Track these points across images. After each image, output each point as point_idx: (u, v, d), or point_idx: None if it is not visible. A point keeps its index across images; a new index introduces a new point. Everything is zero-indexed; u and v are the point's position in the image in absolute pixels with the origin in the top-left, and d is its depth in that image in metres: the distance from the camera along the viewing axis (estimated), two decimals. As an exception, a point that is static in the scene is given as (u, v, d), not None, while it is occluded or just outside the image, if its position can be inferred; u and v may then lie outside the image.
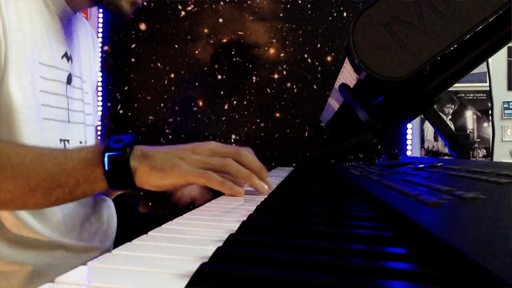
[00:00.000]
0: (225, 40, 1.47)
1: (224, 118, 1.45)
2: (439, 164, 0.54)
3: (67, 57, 0.71)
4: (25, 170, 0.49)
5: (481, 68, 1.13)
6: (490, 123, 1.07)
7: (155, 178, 0.48)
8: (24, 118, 0.58)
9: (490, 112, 1.30)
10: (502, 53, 1.42)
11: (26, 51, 0.60)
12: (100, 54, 0.92)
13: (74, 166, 0.49)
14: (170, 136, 1.47)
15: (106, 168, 0.48)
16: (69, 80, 0.71)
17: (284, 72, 1.45)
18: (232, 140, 1.45)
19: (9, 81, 0.57)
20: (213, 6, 1.46)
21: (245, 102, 1.45)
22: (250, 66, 1.45)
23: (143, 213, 1.22)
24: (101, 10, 1.49)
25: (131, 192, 0.96)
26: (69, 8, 0.70)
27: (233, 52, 1.46)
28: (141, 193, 1.44)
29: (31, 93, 0.60)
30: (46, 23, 0.65)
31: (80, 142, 0.74)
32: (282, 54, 1.45)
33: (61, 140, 0.66)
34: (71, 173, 0.49)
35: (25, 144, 0.54)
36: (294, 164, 1.41)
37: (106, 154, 0.48)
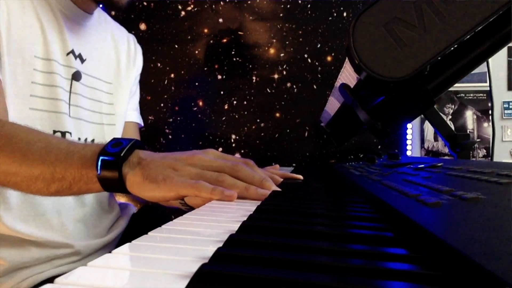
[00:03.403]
0: (225, 40, 1.47)
1: (224, 118, 1.45)
2: (439, 164, 0.54)
3: (75, 55, 0.72)
4: (30, 158, 0.50)
5: (481, 68, 1.13)
6: (490, 123, 1.07)
7: (147, 189, 0.47)
8: (15, 107, 0.61)
9: (490, 112, 1.30)
10: (502, 53, 1.42)
11: (18, 44, 0.62)
12: (141, 61, 0.96)
13: (72, 163, 0.49)
14: (170, 136, 1.47)
15: (99, 172, 0.47)
16: (76, 77, 0.72)
17: (284, 72, 1.45)
18: (232, 140, 1.45)
19: (6, 68, 0.59)
20: (213, 6, 1.46)
21: (245, 102, 1.45)
22: (250, 66, 1.45)
23: None
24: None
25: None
26: (76, 7, 0.70)
27: (233, 52, 1.46)
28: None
29: (22, 84, 0.62)
30: (48, 20, 0.67)
31: (93, 140, 0.75)
32: (282, 54, 1.45)
33: (54, 131, 0.67)
34: (68, 170, 0.49)
35: (39, 130, 0.55)
36: (294, 164, 1.41)
37: (100, 158, 0.48)
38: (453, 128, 1.07)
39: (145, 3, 1.48)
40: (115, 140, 0.51)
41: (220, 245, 0.25)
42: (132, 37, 0.93)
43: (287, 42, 1.45)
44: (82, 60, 0.74)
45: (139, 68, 0.94)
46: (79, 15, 0.72)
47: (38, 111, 0.65)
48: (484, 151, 1.44)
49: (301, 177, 0.76)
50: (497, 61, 1.43)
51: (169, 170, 0.47)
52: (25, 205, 0.64)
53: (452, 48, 0.43)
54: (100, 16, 0.82)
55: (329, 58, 1.43)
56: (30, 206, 0.65)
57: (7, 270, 0.62)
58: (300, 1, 1.44)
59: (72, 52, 0.71)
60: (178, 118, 1.47)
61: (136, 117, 0.95)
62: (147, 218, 0.93)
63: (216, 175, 0.48)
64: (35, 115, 0.64)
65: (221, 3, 1.46)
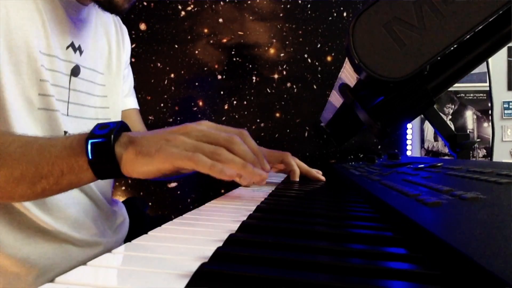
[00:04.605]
0: (225, 40, 1.47)
1: (224, 118, 1.45)
2: (439, 164, 0.54)
3: (74, 48, 0.69)
4: (8, 160, 0.47)
5: (481, 68, 1.13)
6: (490, 123, 1.07)
7: (140, 164, 0.44)
8: (17, 108, 0.57)
9: (490, 112, 1.29)
10: (502, 53, 1.42)
11: (20, 39, 0.58)
12: (129, 42, 0.90)
13: (57, 154, 0.46)
14: (170, 136, 1.47)
15: (90, 156, 0.44)
16: (75, 72, 0.69)
17: (284, 72, 1.45)
18: (232, 140, 1.45)
19: (6, 68, 0.56)
20: (213, 6, 1.46)
21: (245, 102, 1.45)
22: (250, 66, 1.45)
23: (152, 216, 1.22)
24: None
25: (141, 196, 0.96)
26: (74, 0, 0.68)
27: (233, 52, 1.46)
28: (153, 197, 1.45)
29: (28, 82, 0.59)
30: (48, 12, 0.63)
31: None
32: (282, 54, 1.45)
33: (65, 132, 0.65)
34: (55, 162, 0.46)
35: (12, 133, 0.52)
36: (294, 164, 1.41)
37: (90, 141, 0.45)
38: (453, 128, 1.07)
39: (145, 3, 1.48)
40: (99, 124, 0.48)
41: (220, 244, 0.25)
42: (117, 18, 0.87)
43: (287, 42, 1.45)
44: (81, 52, 0.70)
45: (128, 51, 0.88)
46: (74, 4, 0.69)
47: (47, 111, 0.62)
48: (484, 151, 1.44)
49: (323, 178, 0.76)
50: (497, 61, 1.43)
51: (163, 142, 0.45)
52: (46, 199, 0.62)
53: (452, 48, 0.43)
54: (90, 4, 0.75)
55: (329, 58, 1.43)
56: (49, 199, 0.62)
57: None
58: (300, 1, 1.44)
59: (72, 45, 0.68)
60: (178, 118, 1.47)
61: (134, 103, 0.90)
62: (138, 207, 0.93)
63: (213, 149, 0.45)
64: (43, 115, 0.62)
65: (221, 3, 1.46)
